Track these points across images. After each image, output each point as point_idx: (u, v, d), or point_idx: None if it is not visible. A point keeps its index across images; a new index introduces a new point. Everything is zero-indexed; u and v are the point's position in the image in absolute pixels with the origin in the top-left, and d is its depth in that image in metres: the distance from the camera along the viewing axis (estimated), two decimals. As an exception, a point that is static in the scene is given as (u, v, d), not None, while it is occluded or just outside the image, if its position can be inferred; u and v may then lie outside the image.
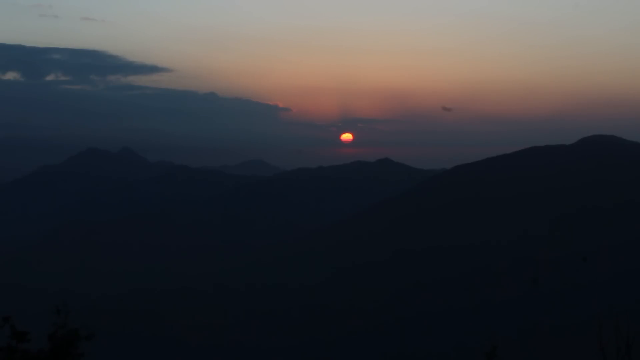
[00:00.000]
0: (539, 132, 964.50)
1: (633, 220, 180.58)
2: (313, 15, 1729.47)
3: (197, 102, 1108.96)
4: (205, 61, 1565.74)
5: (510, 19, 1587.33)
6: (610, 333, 18.72)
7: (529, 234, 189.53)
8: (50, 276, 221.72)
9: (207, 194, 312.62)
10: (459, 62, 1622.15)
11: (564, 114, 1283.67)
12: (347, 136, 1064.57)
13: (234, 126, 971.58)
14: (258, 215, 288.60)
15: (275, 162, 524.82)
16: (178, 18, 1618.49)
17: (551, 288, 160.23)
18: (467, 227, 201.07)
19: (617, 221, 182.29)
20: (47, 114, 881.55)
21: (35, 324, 16.38)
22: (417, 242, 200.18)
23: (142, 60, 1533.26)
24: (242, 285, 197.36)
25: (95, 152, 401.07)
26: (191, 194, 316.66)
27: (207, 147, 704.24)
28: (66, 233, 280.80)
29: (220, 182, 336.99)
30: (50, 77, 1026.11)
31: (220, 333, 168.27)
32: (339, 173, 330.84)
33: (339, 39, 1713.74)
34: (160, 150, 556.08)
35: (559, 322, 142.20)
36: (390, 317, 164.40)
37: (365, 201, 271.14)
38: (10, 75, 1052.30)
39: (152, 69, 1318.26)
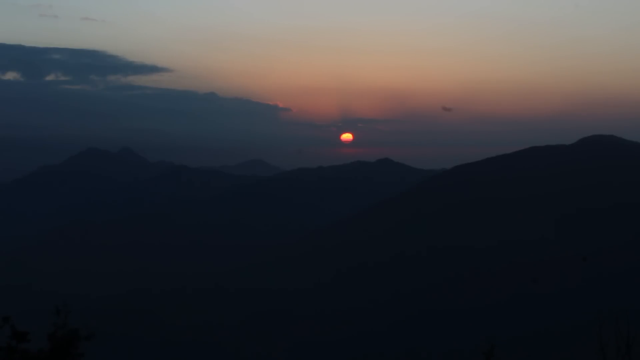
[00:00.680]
0: (539, 132, 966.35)
1: (633, 220, 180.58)
2: (313, 15, 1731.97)
3: (197, 102, 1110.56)
4: (205, 61, 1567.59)
5: (510, 19, 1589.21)
6: (610, 333, 18.73)
7: (529, 233, 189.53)
8: (50, 276, 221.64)
9: (207, 194, 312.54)
10: (459, 62, 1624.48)
11: (564, 114, 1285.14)
12: (347, 136, 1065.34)
13: (234, 126, 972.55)
14: (258, 215, 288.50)
15: (275, 162, 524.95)
16: (178, 18, 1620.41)
17: (551, 288, 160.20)
18: (467, 227, 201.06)
19: (617, 221, 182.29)
20: (47, 114, 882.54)
21: (35, 324, 16.36)
22: (417, 242, 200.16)
23: (142, 60, 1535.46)
24: (241, 286, 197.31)
25: (95, 152, 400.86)
26: (191, 194, 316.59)
27: (207, 147, 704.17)
28: (66, 233, 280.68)
29: (220, 182, 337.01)
30: (50, 77, 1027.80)
31: (220, 333, 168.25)
32: (339, 173, 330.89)
33: (339, 39, 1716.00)
34: (160, 150, 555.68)
35: (558, 322, 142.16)
36: (391, 317, 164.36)
37: (365, 201, 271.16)
38: (10, 75, 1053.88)
39: (152, 69, 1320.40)
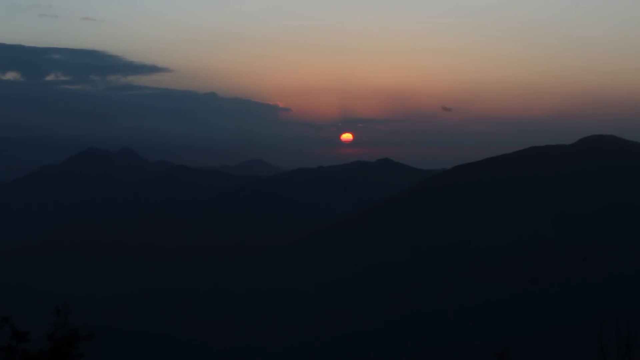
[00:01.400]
0: (539, 132, 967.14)
1: (633, 220, 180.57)
2: (313, 15, 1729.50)
3: (197, 102, 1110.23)
4: (205, 61, 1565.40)
5: (510, 19, 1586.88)
6: (610, 333, 18.74)
7: (529, 233, 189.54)
8: (50, 276, 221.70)
9: (207, 194, 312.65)
10: (459, 62, 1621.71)
11: (564, 114, 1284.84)
12: (347, 136, 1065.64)
13: (234, 126, 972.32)
14: (258, 215, 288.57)
15: (275, 162, 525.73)
16: (178, 18, 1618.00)
17: (551, 288, 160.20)
18: (467, 227, 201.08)
19: (617, 221, 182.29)
20: (47, 114, 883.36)
21: (35, 324, 16.38)
22: (417, 242, 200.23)
23: (142, 60, 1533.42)
24: (241, 286, 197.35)
25: (95, 152, 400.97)
26: (191, 194, 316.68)
27: (207, 147, 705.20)
28: (66, 233, 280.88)
29: (220, 182, 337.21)
30: (50, 77, 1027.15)
31: (220, 333, 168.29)
32: (339, 173, 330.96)
33: (339, 39, 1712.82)
34: (160, 150, 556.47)
35: (558, 322, 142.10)
36: (391, 317, 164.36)
37: (365, 201, 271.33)
38: (10, 75, 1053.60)
39: (152, 69, 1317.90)
